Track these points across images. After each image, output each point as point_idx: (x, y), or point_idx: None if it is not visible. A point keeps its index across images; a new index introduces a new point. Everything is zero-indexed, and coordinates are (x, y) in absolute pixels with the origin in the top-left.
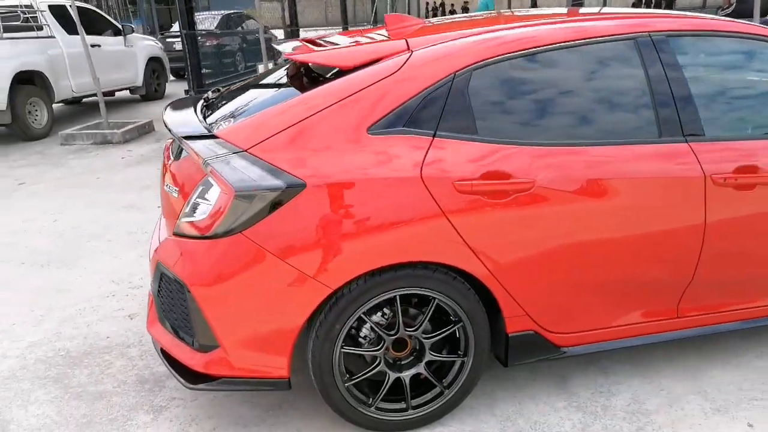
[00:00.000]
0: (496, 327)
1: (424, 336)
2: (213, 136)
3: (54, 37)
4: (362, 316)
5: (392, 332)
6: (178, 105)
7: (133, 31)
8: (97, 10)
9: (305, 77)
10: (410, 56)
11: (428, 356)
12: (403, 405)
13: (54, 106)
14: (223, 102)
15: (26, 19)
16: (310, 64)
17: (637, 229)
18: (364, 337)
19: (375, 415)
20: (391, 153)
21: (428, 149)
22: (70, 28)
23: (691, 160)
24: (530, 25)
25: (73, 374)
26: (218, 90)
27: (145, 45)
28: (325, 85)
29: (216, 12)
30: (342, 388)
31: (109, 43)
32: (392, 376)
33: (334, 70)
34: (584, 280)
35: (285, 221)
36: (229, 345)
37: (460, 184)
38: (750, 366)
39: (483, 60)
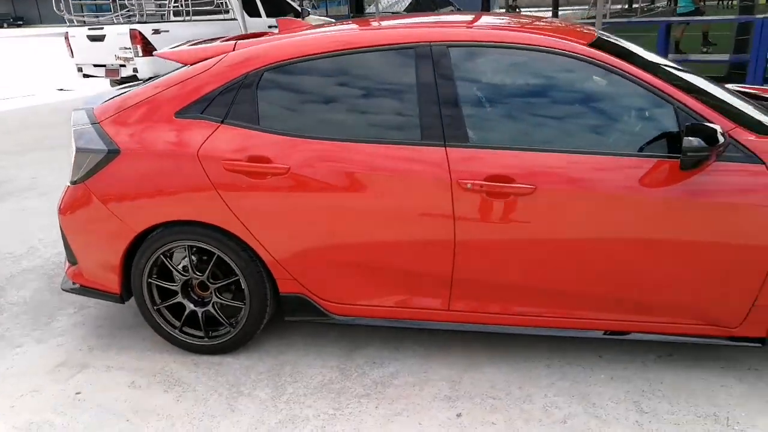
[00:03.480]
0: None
1: (211, 282)
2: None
3: (236, 19)
4: (162, 257)
5: (186, 274)
6: (126, 86)
7: (309, 14)
8: None
9: None
10: (224, 57)
11: (214, 298)
12: (202, 333)
13: None
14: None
15: (217, 5)
16: (164, 59)
17: (387, 222)
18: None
19: (180, 337)
20: (184, 134)
21: (212, 133)
22: (252, 12)
23: (443, 164)
24: (324, 32)
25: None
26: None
27: None
28: (162, 77)
29: None
30: (152, 310)
31: None
32: (188, 308)
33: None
34: (343, 260)
35: (107, 177)
36: (82, 262)
37: (227, 163)
38: (527, 371)
39: (273, 63)
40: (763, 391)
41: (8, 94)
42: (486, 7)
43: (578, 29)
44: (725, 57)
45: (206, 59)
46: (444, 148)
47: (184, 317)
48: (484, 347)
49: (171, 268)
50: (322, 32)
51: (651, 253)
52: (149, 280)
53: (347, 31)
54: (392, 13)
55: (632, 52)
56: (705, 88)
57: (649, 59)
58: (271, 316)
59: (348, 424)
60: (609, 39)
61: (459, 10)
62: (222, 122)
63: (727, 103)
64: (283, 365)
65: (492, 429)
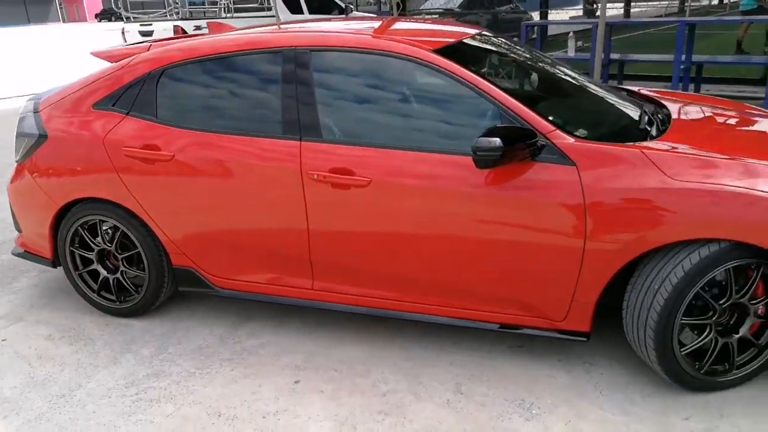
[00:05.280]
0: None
1: (118, 252)
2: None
3: (277, 16)
4: (79, 229)
5: (100, 245)
6: None
7: (352, 11)
8: None
9: None
10: (135, 57)
11: (122, 267)
12: (115, 297)
13: None
14: None
15: (261, 2)
16: (96, 57)
17: (253, 207)
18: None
19: (98, 300)
20: (96, 123)
21: (118, 123)
22: (294, 8)
23: (296, 156)
24: (215, 37)
25: None
26: None
27: None
28: (93, 73)
29: None
30: (74, 275)
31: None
32: (102, 274)
33: None
34: (221, 239)
35: (38, 158)
36: (24, 231)
37: (125, 149)
38: (380, 351)
39: (170, 63)
40: (584, 384)
41: None
42: (545, 4)
43: (449, 33)
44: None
45: (125, 58)
46: (299, 142)
47: (99, 282)
48: (356, 327)
49: (87, 238)
50: (214, 37)
51: (473, 246)
52: (71, 248)
53: (230, 37)
54: (444, 10)
55: (492, 56)
56: (560, 92)
57: (515, 64)
58: (172, 286)
59: (199, 381)
60: (474, 44)
61: (518, 6)
62: (127, 114)
63: (568, 107)
64: (177, 330)
65: (317, 396)
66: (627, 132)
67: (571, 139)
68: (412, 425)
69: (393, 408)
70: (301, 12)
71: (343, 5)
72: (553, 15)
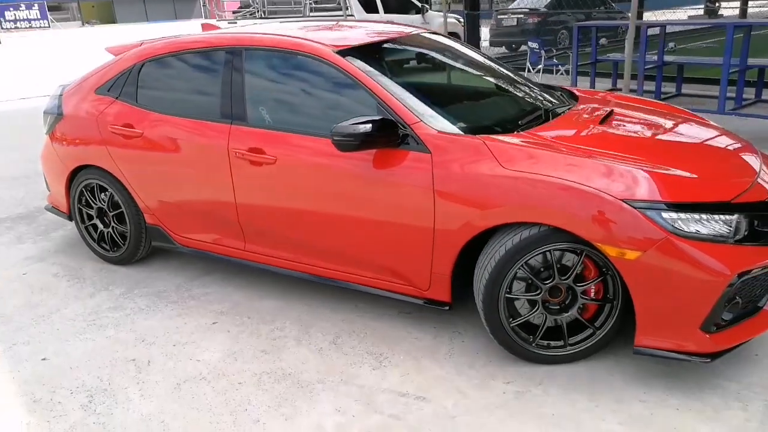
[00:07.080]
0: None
1: (110, 210)
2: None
3: (353, 15)
4: (83, 190)
5: (97, 203)
6: None
7: (428, 11)
8: None
9: None
10: (129, 51)
11: (112, 223)
12: (109, 247)
13: None
14: None
15: (338, 2)
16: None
17: (197, 176)
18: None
19: (98, 249)
20: (95, 104)
21: (108, 105)
22: (370, 8)
23: (225, 136)
24: (187, 36)
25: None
26: None
27: (440, 21)
28: (101, 64)
29: None
30: (82, 228)
31: (405, 19)
32: (99, 227)
33: None
34: (177, 202)
35: (58, 131)
36: (51, 189)
37: (111, 126)
38: (289, 305)
39: (150, 57)
40: (441, 348)
41: None
42: (641, 4)
43: (371, 34)
44: None
45: (124, 53)
46: (230, 125)
47: (98, 235)
48: (282, 285)
49: (89, 198)
50: (184, 36)
51: (353, 219)
52: (78, 206)
53: (193, 37)
54: (530, 10)
55: (406, 56)
56: (462, 89)
57: (430, 63)
58: (150, 241)
59: (143, 315)
60: (388, 46)
61: (612, 6)
62: (117, 98)
63: (460, 103)
64: (149, 278)
65: (224, 335)
66: (505, 126)
67: (433, 131)
68: (281, 363)
69: (274, 349)
70: (376, 11)
71: (419, 5)
72: (669, 15)
